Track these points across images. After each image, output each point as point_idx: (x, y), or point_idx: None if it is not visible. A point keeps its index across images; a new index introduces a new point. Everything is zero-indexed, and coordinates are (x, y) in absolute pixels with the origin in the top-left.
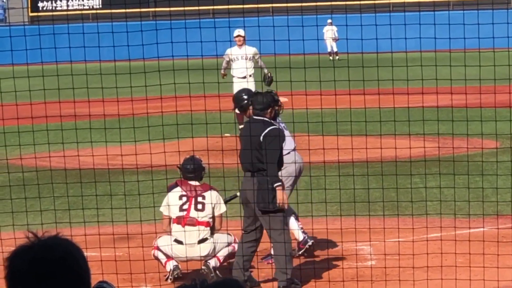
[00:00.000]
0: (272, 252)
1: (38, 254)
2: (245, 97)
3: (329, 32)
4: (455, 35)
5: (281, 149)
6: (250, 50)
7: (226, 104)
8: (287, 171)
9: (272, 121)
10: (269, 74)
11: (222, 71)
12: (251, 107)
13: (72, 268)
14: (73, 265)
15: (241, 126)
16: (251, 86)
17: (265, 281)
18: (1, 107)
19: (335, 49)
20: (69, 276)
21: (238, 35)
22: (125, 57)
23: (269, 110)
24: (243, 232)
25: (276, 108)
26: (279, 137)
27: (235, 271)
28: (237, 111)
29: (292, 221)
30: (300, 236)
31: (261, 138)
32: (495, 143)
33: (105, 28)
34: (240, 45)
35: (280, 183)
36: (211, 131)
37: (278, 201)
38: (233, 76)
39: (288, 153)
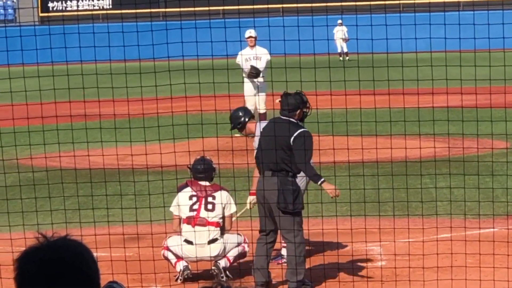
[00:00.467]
0: (284, 253)
1: (47, 255)
2: (241, 114)
3: (339, 32)
4: (465, 35)
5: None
6: (262, 51)
7: (236, 105)
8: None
9: (299, 122)
10: (254, 71)
11: (246, 70)
12: (248, 124)
13: (81, 269)
14: (82, 266)
15: None
16: (262, 86)
17: (276, 283)
18: (11, 107)
19: (345, 50)
20: (78, 277)
21: (250, 36)
22: (135, 57)
23: (297, 112)
24: (263, 233)
25: (305, 110)
26: (310, 137)
27: (258, 272)
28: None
29: None
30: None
31: (292, 140)
32: (505, 144)
33: (115, 28)
34: (252, 46)
35: (323, 179)
36: (221, 132)
37: (330, 195)
38: (244, 77)
39: None
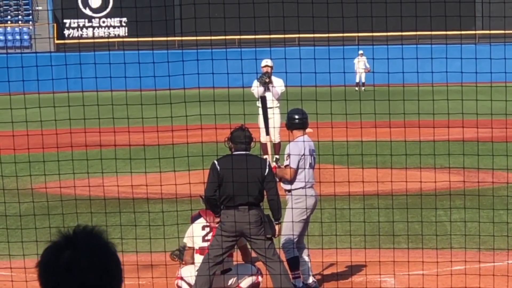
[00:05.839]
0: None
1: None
2: (296, 117)
3: (361, 63)
4: (482, 68)
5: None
6: (277, 82)
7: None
8: (309, 203)
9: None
10: (267, 78)
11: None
12: (295, 131)
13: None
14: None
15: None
16: (277, 118)
17: None
18: (26, 135)
19: (363, 80)
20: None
21: (266, 65)
22: (151, 86)
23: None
24: (218, 265)
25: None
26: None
27: None
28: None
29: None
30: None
31: (267, 172)
32: None
33: (131, 56)
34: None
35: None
36: None
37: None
38: (259, 107)
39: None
